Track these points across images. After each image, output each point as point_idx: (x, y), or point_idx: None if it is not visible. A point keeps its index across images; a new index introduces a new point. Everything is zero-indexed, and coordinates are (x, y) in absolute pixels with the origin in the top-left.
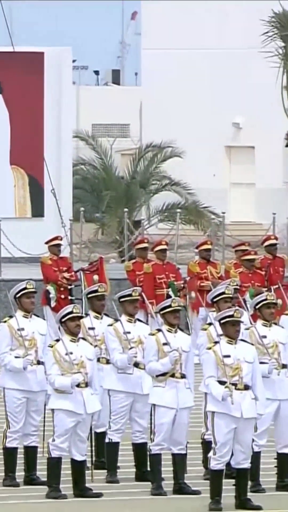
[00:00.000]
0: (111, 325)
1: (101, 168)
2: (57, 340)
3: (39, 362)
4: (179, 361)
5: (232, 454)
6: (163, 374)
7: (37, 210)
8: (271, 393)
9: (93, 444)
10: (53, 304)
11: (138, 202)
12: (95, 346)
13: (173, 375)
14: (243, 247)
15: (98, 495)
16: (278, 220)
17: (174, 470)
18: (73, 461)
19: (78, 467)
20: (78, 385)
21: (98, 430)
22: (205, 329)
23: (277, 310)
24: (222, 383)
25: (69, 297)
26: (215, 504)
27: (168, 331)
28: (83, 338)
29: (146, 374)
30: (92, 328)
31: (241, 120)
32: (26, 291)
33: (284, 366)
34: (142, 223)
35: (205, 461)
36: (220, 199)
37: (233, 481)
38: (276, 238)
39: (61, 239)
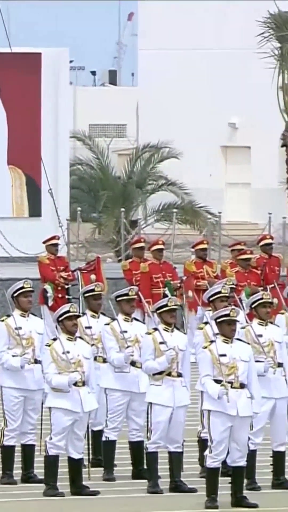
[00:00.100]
0: (108, 324)
1: (98, 168)
2: (54, 339)
3: (36, 361)
4: (175, 360)
5: (228, 452)
6: (160, 373)
7: (35, 210)
8: (266, 392)
9: (90, 442)
10: (50, 303)
11: (134, 202)
12: (92, 345)
13: (169, 374)
14: (239, 247)
15: (95, 493)
16: (274, 220)
17: (171, 468)
18: (70, 459)
19: (75, 465)
20: (75, 384)
21: (95, 428)
22: (202, 328)
23: (272, 309)
24: (218, 381)
25: (66, 296)
26: (211, 502)
27: (165, 330)
28: (80, 337)
29: (143, 373)
30: (89, 327)
31: (237, 121)
32: (23, 290)
33: (279, 364)
34: (138, 222)
35: (201, 459)
36: (216, 199)
37: (229, 479)
38: (271, 238)
39: (58, 239)
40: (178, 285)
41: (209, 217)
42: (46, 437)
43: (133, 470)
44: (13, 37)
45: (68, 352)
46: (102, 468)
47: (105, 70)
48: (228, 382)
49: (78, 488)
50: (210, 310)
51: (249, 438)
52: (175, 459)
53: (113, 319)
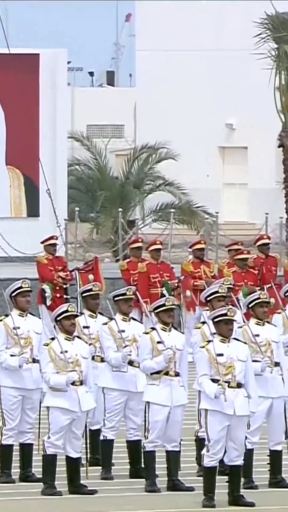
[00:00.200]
0: (105, 323)
1: (95, 168)
2: (52, 339)
3: (34, 360)
4: (173, 359)
5: (225, 451)
6: (157, 372)
7: (33, 210)
8: (264, 391)
9: (88, 441)
10: (48, 303)
11: (132, 202)
12: (90, 344)
13: (167, 373)
14: (236, 247)
15: (93, 491)
16: (270, 220)
17: (168, 467)
18: (68, 458)
19: (73, 464)
20: (73, 383)
21: (93, 428)
22: (199, 328)
23: (269, 308)
24: (215, 381)
25: (65, 296)
26: (208, 501)
27: (162, 329)
28: (78, 337)
29: (140, 372)
30: (87, 327)
31: (235, 121)
32: (21, 290)
33: (276, 364)
34: (136, 222)
35: (199, 458)
36: (213, 199)
37: (226, 477)
38: (268, 238)
39: (56, 239)
40: (176, 285)
41: (207, 217)
42: (44, 436)
43: (130, 469)
44: (12, 37)
45: (66, 351)
46: (100, 467)
47: (103, 71)
48: (225, 382)
49: (76, 487)
50: (207, 309)
51: (246, 437)
52: (173, 458)
53: (111, 318)
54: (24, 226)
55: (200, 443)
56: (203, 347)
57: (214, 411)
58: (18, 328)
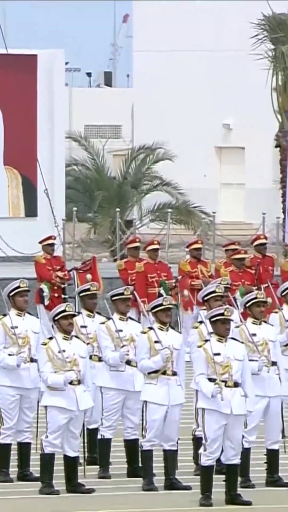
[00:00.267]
0: (103, 323)
1: (93, 168)
2: (50, 338)
3: (32, 360)
4: (170, 358)
5: (222, 450)
6: (155, 372)
7: (31, 210)
8: (260, 390)
9: (86, 440)
10: (46, 302)
11: (130, 202)
12: (88, 344)
13: (164, 373)
14: (233, 247)
15: (90, 490)
16: (267, 220)
17: (165, 466)
18: (66, 457)
19: (70, 463)
20: (71, 383)
21: (91, 427)
22: (196, 327)
23: (266, 308)
24: (212, 380)
25: (62, 296)
26: (205, 500)
27: (160, 329)
28: (76, 336)
29: (138, 372)
30: (85, 326)
31: (232, 121)
32: (19, 289)
33: (273, 363)
34: (133, 222)
35: (196, 457)
36: (210, 199)
37: (223, 476)
38: (265, 238)
39: (54, 239)
40: (173, 284)
41: (204, 217)
42: (42, 435)
43: (128, 468)
44: (10, 37)
45: (64, 351)
46: (97, 466)
47: (100, 72)
48: (222, 381)
49: (73, 486)
50: (204, 309)
51: (243, 436)
52: (170, 457)
53: (109, 318)
54: (22, 226)
55: (197, 442)
56: (200, 346)
57: (211, 410)
58: (16, 327)
